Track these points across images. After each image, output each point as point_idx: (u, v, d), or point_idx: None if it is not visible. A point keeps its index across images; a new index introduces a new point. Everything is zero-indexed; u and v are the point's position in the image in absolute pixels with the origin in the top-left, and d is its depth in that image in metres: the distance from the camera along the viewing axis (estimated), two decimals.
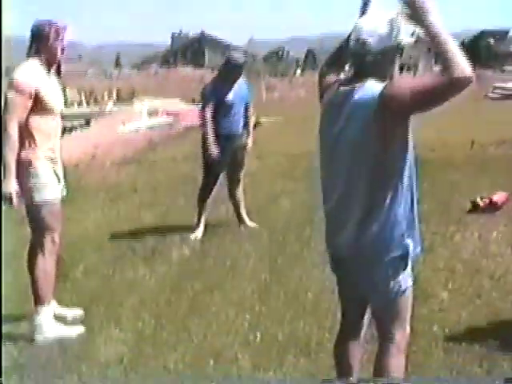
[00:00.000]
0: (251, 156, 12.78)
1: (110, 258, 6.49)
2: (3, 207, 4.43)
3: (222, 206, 8.51)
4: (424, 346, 4.38)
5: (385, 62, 2.97)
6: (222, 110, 7.10)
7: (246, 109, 7.39)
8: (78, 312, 5.01)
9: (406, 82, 2.90)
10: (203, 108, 7.13)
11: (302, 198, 8.86)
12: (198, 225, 7.32)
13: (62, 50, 4.67)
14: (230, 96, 7.12)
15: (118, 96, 29.58)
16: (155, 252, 6.70)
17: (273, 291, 5.52)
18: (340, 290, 3.41)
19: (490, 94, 28.26)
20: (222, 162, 7.18)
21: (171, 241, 7.05)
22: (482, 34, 58.77)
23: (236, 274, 6.00)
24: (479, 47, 53.93)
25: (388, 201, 2.97)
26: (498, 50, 55.20)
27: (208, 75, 40.62)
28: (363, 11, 3.25)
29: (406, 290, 3.14)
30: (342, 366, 3.43)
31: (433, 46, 2.78)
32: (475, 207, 7.80)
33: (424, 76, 2.81)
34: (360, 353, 3.44)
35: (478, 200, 7.81)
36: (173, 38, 74.64)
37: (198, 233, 7.26)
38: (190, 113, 20.69)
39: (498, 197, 7.84)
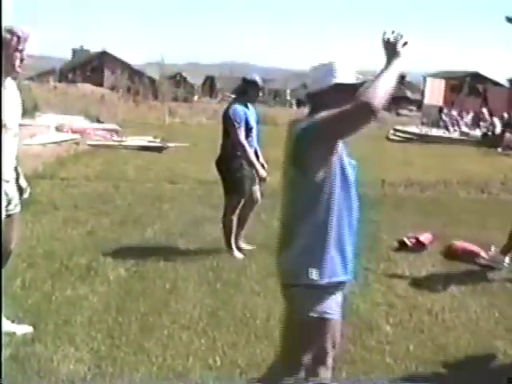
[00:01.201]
0: (163, 181, 12.94)
1: (45, 275, 6.40)
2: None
3: (150, 229, 8.59)
4: (380, 376, 4.60)
5: (319, 101, 3.31)
6: (246, 133, 7.20)
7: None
8: (28, 329, 4.94)
9: (322, 115, 3.19)
10: (237, 130, 7.21)
11: None
12: (231, 247, 7.48)
13: (22, 60, 4.43)
14: (251, 118, 7.23)
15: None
16: (90, 271, 6.66)
17: (220, 317, 5.62)
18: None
19: (391, 136, 29.45)
20: (251, 183, 7.35)
21: (104, 260, 7.03)
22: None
23: (179, 297, 6.07)
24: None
25: (305, 230, 3.23)
26: (394, 94, 57.48)
27: (108, 95, 40.51)
28: None
29: (319, 319, 3.30)
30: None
31: (375, 79, 3.14)
32: (402, 246, 8.17)
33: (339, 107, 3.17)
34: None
35: (405, 239, 8.19)
36: (74, 52, 73.54)
37: (238, 253, 7.42)
38: (95, 132, 20.54)
39: (425, 237, 8.27)
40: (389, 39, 3.21)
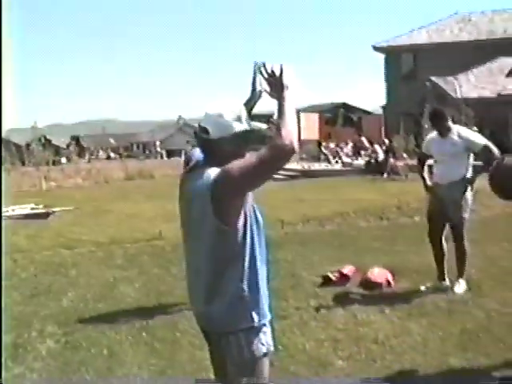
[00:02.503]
0: (59, 247, 12.72)
1: None
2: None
3: (65, 298, 8.42)
4: None
5: (224, 149, 3.31)
6: None
7: None
8: None
9: (233, 164, 3.22)
10: None
11: (141, 285, 9.00)
12: None
13: None
14: None
15: None
16: (18, 348, 6.53)
17: (171, 375, 5.66)
18: (211, 358, 3.73)
19: (274, 176, 29.87)
20: None
21: (29, 335, 6.93)
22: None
23: (121, 362, 6.06)
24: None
25: (231, 276, 3.33)
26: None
27: None
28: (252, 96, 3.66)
29: (259, 357, 3.43)
30: None
31: (277, 118, 3.25)
32: (327, 281, 8.38)
33: (251, 154, 3.28)
34: None
35: (330, 274, 8.41)
36: None
37: None
38: None
39: (348, 269, 8.52)
40: (269, 73, 3.32)
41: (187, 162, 3.60)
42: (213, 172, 3.22)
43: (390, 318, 6.93)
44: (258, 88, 3.56)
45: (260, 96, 3.55)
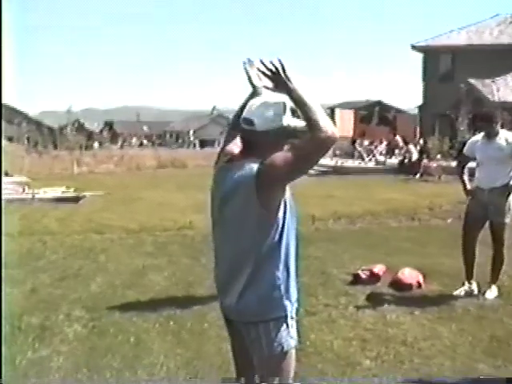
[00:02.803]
0: (89, 232, 12.81)
1: None
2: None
3: (93, 283, 8.47)
4: None
5: (268, 142, 3.30)
6: None
7: None
8: None
9: (277, 156, 3.23)
10: None
11: (170, 274, 9.02)
12: None
13: None
14: None
15: None
16: (45, 330, 6.57)
17: (197, 366, 5.64)
18: (233, 351, 3.74)
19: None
20: None
21: (57, 318, 6.96)
22: None
23: (148, 350, 6.07)
24: None
25: (268, 265, 3.35)
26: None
27: (8, 146, 39.52)
28: (254, 92, 3.63)
29: (288, 351, 3.44)
30: None
31: (300, 111, 3.23)
32: (357, 279, 8.33)
33: (293, 145, 3.29)
34: None
35: (360, 272, 8.36)
36: None
37: None
38: (6, 185, 20.05)
39: (378, 269, 8.45)
40: (272, 70, 3.25)
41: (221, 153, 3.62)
42: (255, 163, 3.24)
43: (419, 320, 6.86)
44: (258, 84, 3.54)
45: (261, 92, 3.53)
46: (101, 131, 68.82)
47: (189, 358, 5.80)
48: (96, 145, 55.07)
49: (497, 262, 7.78)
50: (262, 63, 3.29)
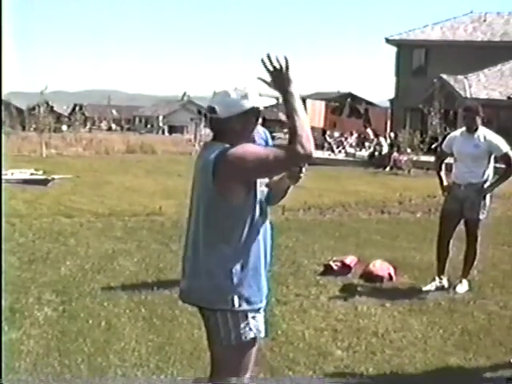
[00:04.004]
0: (58, 215, 12.71)
1: None
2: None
3: (63, 266, 8.42)
4: None
5: (233, 127, 3.35)
6: None
7: None
8: None
9: (248, 150, 3.28)
10: None
11: (140, 259, 8.99)
12: None
13: None
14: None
15: None
16: (15, 313, 6.51)
17: (169, 352, 5.61)
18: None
19: None
20: None
21: (27, 301, 6.90)
22: None
23: (119, 335, 6.05)
24: None
25: (221, 255, 3.37)
26: (267, 117, 58.65)
27: None
28: None
29: (246, 342, 3.45)
30: None
31: (286, 114, 3.27)
32: (328, 270, 8.37)
33: (270, 148, 3.50)
34: None
35: (332, 263, 8.40)
36: None
37: None
38: None
39: (350, 260, 8.50)
40: (276, 67, 3.26)
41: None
42: (220, 147, 3.29)
43: (390, 312, 6.91)
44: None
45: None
46: (70, 114, 68.13)
47: (161, 344, 5.80)
48: (64, 127, 54.55)
49: (469, 257, 7.86)
50: (268, 57, 3.28)
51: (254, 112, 3.40)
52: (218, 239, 3.35)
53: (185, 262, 3.56)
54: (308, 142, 3.16)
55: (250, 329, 3.41)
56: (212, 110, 3.36)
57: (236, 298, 3.37)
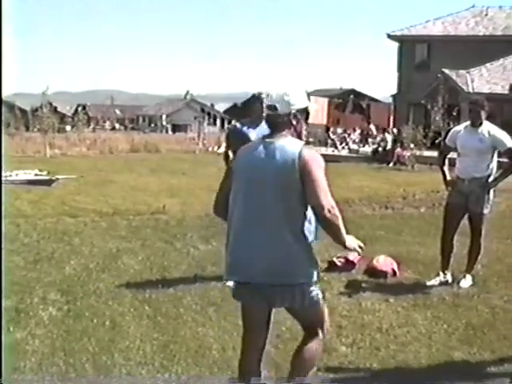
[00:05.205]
0: (63, 215, 12.71)
1: None
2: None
3: (68, 266, 8.43)
4: None
5: (290, 121, 4.03)
6: None
7: None
8: None
9: (321, 159, 4.09)
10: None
11: (145, 257, 8.99)
12: None
13: None
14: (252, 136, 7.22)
15: None
16: (20, 313, 6.51)
17: (174, 350, 5.61)
18: (248, 313, 4.22)
19: None
20: None
21: (31, 301, 6.91)
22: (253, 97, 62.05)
23: (123, 334, 6.05)
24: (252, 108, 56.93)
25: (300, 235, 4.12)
26: None
27: None
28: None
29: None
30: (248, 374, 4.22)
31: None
32: (332, 266, 8.35)
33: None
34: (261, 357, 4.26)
35: (335, 259, 8.38)
36: None
37: None
38: None
39: (354, 256, 8.45)
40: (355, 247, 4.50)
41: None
42: (297, 142, 3.96)
43: (394, 307, 6.90)
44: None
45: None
46: (74, 114, 68.18)
47: (165, 342, 5.79)
48: (68, 128, 54.65)
49: (473, 251, 7.84)
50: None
51: (306, 111, 4.12)
52: (297, 213, 4.06)
53: (248, 245, 4.05)
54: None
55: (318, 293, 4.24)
56: (273, 107, 4.00)
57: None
